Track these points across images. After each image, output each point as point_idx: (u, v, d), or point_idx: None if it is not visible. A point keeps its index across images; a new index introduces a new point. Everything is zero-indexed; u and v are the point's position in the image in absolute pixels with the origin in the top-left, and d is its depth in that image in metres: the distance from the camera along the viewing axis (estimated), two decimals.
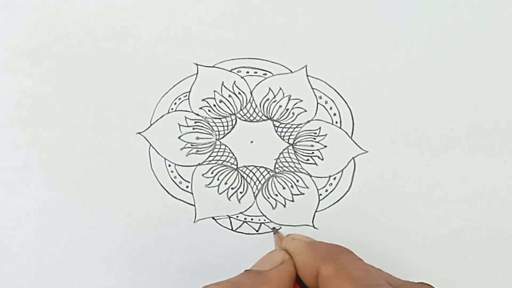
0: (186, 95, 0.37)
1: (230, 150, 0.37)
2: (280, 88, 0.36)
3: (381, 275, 0.28)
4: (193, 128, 0.37)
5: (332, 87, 0.36)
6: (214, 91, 0.37)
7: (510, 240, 0.36)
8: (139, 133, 0.37)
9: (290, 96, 0.36)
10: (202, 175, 0.37)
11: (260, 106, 0.36)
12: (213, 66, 0.36)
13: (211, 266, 0.37)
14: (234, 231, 0.37)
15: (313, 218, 0.36)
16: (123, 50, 0.37)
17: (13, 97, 0.37)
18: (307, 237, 0.33)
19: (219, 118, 0.37)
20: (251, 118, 0.37)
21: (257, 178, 0.37)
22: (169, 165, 0.37)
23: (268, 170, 0.37)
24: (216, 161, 0.37)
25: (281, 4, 0.36)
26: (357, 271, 0.27)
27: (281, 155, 0.36)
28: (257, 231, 0.37)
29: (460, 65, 0.35)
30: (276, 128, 0.36)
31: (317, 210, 0.36)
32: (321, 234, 0.36)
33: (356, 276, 0.26)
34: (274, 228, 0.36)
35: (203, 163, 0.37)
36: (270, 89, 0.36)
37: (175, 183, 0.37)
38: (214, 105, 0.37)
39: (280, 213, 0.37)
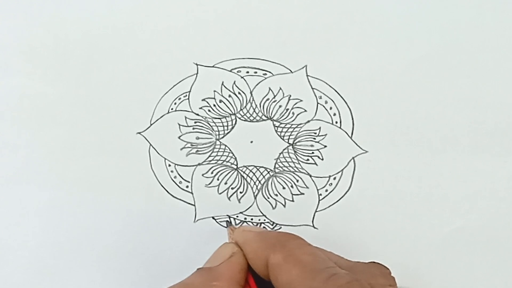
0: (186, 95, 0.37)
1: (230, 150, 0.37)
2: (280, 88, 0.36)
3: (330, 258, 0.28)
4: (193, 128, 0.37)
5: (332, 87, 0.36)
6: (214, 91, 0.37)
7: (510, 240, 0.36)
8: (139, 133, 0.37)
9: (290, 96, 0.36)
10: (202, 175, 0.37)
11: (260, 106, 0.36)
12: (213, 66, 0.37)
13: None
14: None
15: (313, 218, 0.36)
16: (123, 50, 0.37)
17: (13, 97, 0.37)
18: (259, 227, 0.33)
19: (219, 118, 0.37)
20: (251, 118, 0.37)
21: (257, 178, 0.37)
22: (169, 165, 0.37)
23: (268, 170, 0.37)
24: (216, 161, 0.37)
25: (281, 4, 0.36)
26: (305, 256, 0.27)
27: (281, 155, 0.36)
28: None
29: (460, 65, 0.35)
30: (276, 128, 0.36)
31: (317, 210, 0.36)
32: (321, 234, 0.36)
33: (304, 261, 0.26)
34: (226, 221, 0.36)
35: (203, 163, 0.37)
36: (270, 89, 0.36)
37: (175, 183, 0.37)
38: (214, 105, 0.37)
39: (280, 213, 0.37)
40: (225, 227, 0.36)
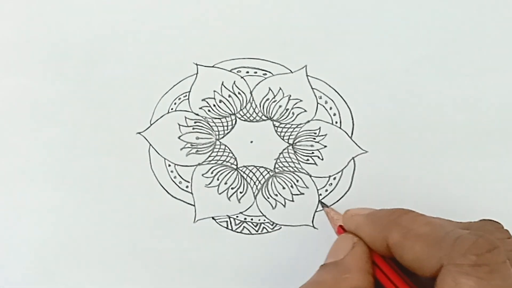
0: (186, 95, 0.37)
1: (230, 150, 0.37)
2: (280, 88, 0.36)
3: (448, 223, 0.27)
4: (193, 128, 0.37)
5: (332, 87, 0.36)
6: (214, 91, 0.37)
7: None
8: (139, 133, 0.37)
9: (290, 96, 0.36)
10: (202, 175, 0.37)
11: (260, 106, 0.36)
12: (213, 66, 0.37)
13: (211, 266, 0.37)
14: (234, 231, 0.37)
15: (313, 218, 0.36)
16: (123, 50, 0.37)
17: (13, 97, 0.37)
18: (364, 208, 0.31)
19: (219, 118, 0.37)
20: (251, 118, 0.37)
21: (257, 178, 0.37)
22: (169, 165, 0.37)
23: (268, 170, 0.37)
24: (216, 161, 0.37)
25: (281, 4, 0.36)
26: (422, 228, 0.26)
27: (281, 155, 0.36)
28: (257, 231, 0.37)
29: (460, 65, 0.35)
30: (276, 128, 0.36)
31: (317, 210, 0.36)
32: (321, 234, 0.36)
33: (423, 233, 0.26)
34: (322, 202, 0.36)
35: (203, 163, 0.37)
36: (270, 89, 0.36)
37: (175, 183, 0.37)
38: (214, 105, 0.37)
39: (280, 213, 0.37)
40: (321, 209, 0.36)
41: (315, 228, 0.36)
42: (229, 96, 0.37)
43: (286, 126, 0.36)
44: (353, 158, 0.36)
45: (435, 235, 0.25)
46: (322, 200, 0.36)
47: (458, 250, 0.24)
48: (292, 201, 0.36)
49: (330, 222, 0.34)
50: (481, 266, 0.23)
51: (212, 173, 0.37)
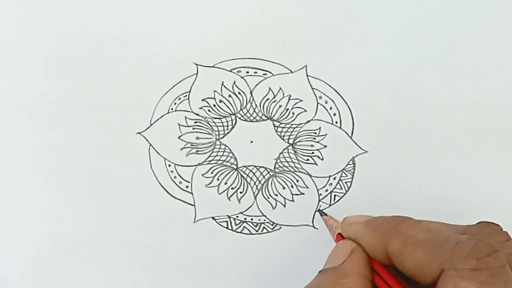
0: (186, 95, 0.37)
1: (230, 150, 0.37)
2: (280, 88, 0.36)
3: (447, 227, 0.27)
4: (193, 128, 0.37)
5: (332, 87, 0.36)
6: (214, 91, 0.37)
7: None
8: (139, 133, 0.37)
9: (290, 96, 0.36)
10: (202, 175, 0.37)
11: (260, 106, 0.36)
12: (213, 66, 0.37)
13: (211, 266, 0.37)
14: (234, 231, 0.37)
15: (313, 218, 0.36)
16: (123, 50, 0.37)
17: (13, 97, 0.37)
18: (361, 216, 0.31)
19: (219, 118, 0.37)
20: (251, 118, 0.37)
21: (257, 178, 0.37)
22: (169, 165, 0.37)
23: (268, 170, 0.37)
24: (216, 161, 0.37)
25: (281, 4, 0.36)
26: (421, 234, 0.26)
27: (281, 155, 0.36)
28: (257, 231, 0.37)
29: (460, 65, 0.35)
30: (276, 128, 0.36)
31: (317, 210, 0.36)
32: (321, 234, 0.36)
33: (422, 240, 0.26)
34: (320, 210, 0.36)
35: (203, 163, 0.37)
36: (270, 89, 0.36)
37: (175, 183, 0.37)
38: (214, 105, 0.37)
39: (280, 213, 0.37)
40: (320, 215, 0.36)
41: (315, 228, 0.36)
42: (229, 96, 0.37)
43: (286, 126, 0.36)
44: (353, 158, 0.36)
45: (435, 241, 0.25)
46: (320, 208, 0.36)
47: (459, 254, 0.24)
48: (292, 201, 0.36)
49: (329, 230, 0.34)
50: (482, 270, 0.23)
51: (212, 173, 0.37)
